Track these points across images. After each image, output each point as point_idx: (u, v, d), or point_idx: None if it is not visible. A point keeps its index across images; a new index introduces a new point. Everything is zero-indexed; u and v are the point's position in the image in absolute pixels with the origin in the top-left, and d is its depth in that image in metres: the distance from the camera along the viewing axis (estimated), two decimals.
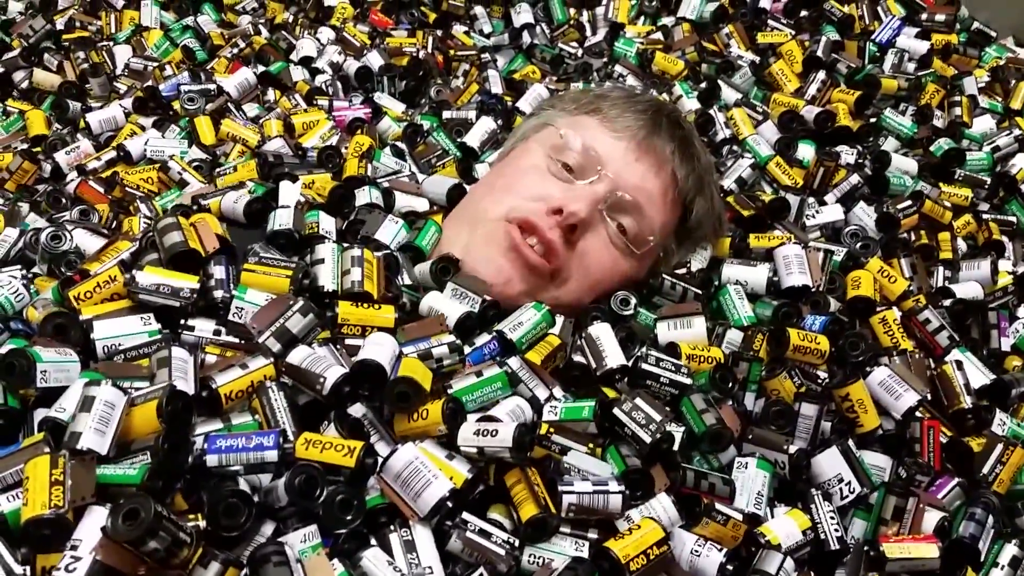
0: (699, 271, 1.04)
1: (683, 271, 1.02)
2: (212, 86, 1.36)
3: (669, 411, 0.79)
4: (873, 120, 1.40)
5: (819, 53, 1.49)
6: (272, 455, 0.66)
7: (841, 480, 0.82)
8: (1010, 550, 0.80)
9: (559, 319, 0.89)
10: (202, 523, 0.63)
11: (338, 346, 0.77)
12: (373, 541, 0.68)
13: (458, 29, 1.70)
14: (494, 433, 0.70)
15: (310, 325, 0.77)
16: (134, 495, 0.59)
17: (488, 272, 0.91)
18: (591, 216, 0.94)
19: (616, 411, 0.77)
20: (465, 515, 0.70)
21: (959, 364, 0.96)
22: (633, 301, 0.95)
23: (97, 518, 0.60)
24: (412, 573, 0.66)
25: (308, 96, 1.39)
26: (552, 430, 0.75)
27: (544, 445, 0.74)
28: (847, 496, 0.82)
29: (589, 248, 0.95)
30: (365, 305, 0.81)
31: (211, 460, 0.66)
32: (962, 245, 1.25)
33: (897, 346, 0.98)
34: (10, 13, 1.82)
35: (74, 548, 0.59)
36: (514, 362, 0.80)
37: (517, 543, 0.70)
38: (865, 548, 0.78)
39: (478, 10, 1.75)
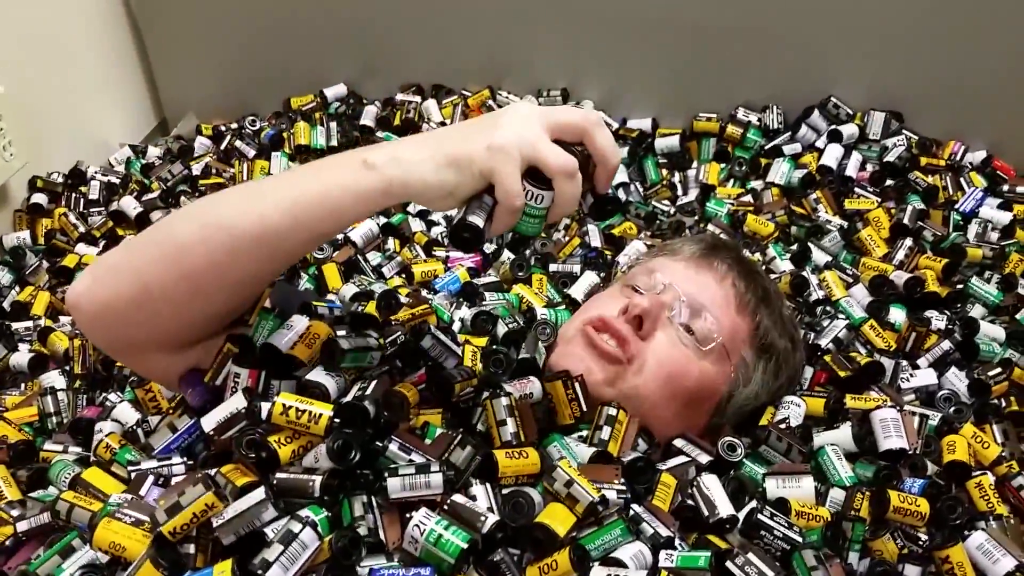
0: (798, 427, 1.09)
1: (784, 426, 1.07)
2: (339, 236, 1.48)
3: (779, 567, 0.83)
4: (960, 287, 1.44)
5: (906, 220, 1.56)
6: None
7: None
8: None
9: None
10: None
11: (494, 490, 0.83)
12: None
13: None
14: None
15: (469, 458, 0.84)
16: None
17: (571, 366, 1.00)
18: (656, 310, 1.03)
19: (729, 564, 0.81)
20: None
21: None
22: (740, 449, 1.00)
23: None
24: None
25: (427, 247, 1.51)
26: None
27: None
28: None
29: (659, 343, 1.04)
30: (517, 455, 0.87)
31: None
32: None
33: (993, 511, 1.02)
34: (149, 157, 2.01)
35: None
36: (637, 506, 0.86)
37: None
38: None
39: None
